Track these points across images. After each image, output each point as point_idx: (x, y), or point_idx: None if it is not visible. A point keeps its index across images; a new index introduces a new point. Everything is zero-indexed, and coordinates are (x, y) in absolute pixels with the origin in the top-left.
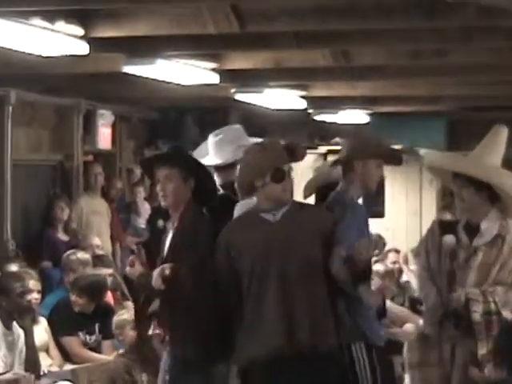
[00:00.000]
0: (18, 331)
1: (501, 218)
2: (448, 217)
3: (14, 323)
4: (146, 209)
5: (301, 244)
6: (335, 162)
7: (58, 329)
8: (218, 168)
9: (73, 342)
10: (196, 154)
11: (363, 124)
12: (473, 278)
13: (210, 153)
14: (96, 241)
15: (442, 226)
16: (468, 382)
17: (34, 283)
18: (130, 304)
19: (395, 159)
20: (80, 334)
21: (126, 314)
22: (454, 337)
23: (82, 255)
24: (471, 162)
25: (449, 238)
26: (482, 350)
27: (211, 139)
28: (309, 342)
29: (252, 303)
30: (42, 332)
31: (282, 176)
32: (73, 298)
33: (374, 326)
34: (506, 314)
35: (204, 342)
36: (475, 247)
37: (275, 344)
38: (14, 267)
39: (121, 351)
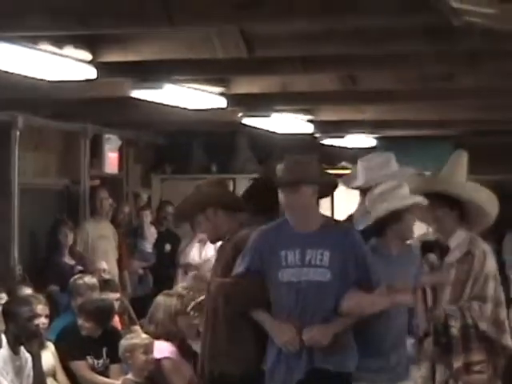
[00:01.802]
0: (26, 356)
1: (468, 235)
2: (429, 237)
3: (22, 348)
4: (152, 233)
5: None
6: None
7: (66, 353)
8: (360, 190)
9: (81, 366)
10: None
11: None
12: (448, 296)
13: (358, 176)
14: (103, 265)
15: (424, 246)
16: None
17: (41, 308)
18: (137, 328)
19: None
20: (88, 358)
21: (135, 337)
22: (433, 354)
23: (89, 279)
24: (446, 181)
25: (431, 257)
26: (457, 364)
27: (359, 163)
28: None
29: None
30: (49, 357)
31: None
32: (80, 321)
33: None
34: (482, 326)
35: None
36: (447, 265)
37: None
38: (21, 292)
39: (129, 375)
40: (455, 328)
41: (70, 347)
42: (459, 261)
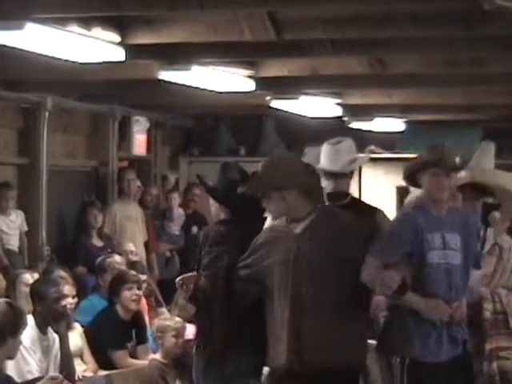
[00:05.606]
0: (53, 336)
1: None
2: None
3: (49, 328)
4: (180, 215)
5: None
6: None
7: (105, 342)
8: (332, 175)
9: (123, 356)
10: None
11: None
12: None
13: (326, 159)
14: (130, 247)
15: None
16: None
17: (68, 288)
18: (164, 310)
19: None
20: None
21: (169, 320)
22: None
23: (118, 259)
24: (491, 174)
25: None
26: (489, 346)
27: (329, 147)
28: (318, 361)
29: (277, 314)
30: (76, 338)
31: None
32: (118, 306)
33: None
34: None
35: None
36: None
37: (284, 361)
38: (54, 273)
39: (156, 356)
40: (488, 311)
41: (110, 336)
42: (487, 252)
